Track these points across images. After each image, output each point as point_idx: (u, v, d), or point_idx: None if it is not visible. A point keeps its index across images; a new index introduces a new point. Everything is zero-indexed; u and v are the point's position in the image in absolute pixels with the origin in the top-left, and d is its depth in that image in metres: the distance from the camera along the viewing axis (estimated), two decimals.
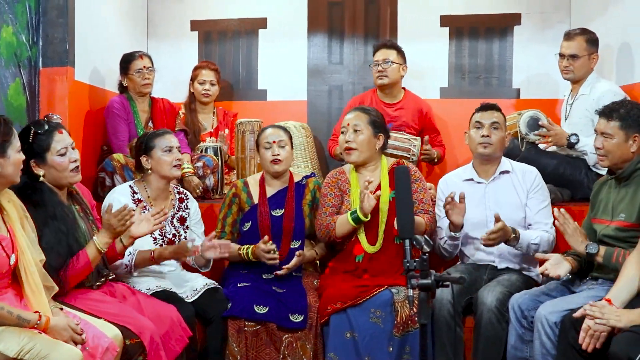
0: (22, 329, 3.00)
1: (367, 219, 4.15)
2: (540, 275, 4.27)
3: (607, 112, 3.84)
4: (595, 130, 3.93)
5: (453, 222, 4.15)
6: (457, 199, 4.14)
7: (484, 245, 4.12)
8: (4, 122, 3.13)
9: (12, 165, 3.11)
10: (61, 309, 3.29)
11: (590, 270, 3.88)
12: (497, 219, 4.02)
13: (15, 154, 3.14)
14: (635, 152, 3.77)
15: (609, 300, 3.42)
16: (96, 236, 3.61)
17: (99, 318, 3.41)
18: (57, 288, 3.33)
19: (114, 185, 4.63)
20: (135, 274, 4.04)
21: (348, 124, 4.33)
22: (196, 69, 5.77)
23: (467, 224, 4.21)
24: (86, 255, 3.53)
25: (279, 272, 4.23)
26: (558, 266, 3.80)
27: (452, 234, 4.24)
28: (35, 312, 3.08)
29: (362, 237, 4.25)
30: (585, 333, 3.29)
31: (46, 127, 3.57)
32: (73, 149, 3.66)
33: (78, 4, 4.86)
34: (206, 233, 4.33)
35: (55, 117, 3.72)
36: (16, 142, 3.16)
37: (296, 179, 4.58)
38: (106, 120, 5.20)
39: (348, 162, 4.41)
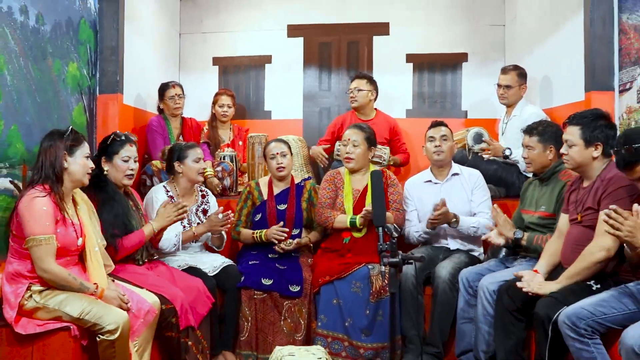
0: (83, 296, 3.05)
1: (360, 228, 4.20)
2: (483, 254, 4.34)
3: (528, 130, 3.92)
4: (522, 144, 3.99)
5: (505, 235, 3.94)
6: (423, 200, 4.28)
7: (431, 224, 4.16)
8: (75, 132, 3.22)
9: (78, 165, 3.17)
10: (113, 280, 3.33)
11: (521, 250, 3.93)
12: (443, 204, 4.08)
13: (83, 158, 3.20)
14: (552, 159, 3.83)
15: (536, 270, 3.50)
16: (152, 221, 3.72)
17: (142, 288, 3.45)
18: (113, 266, 3.40)
19: (152, 185, 4.63)
20: (180, 250, 4.08)
21: (349, 139, 4.34)
22: (216, 95, 5.74)
23: (427, 215, 4.22)
24: (142, 234, 3.64)
25: (283, 248, 4.25)
26: (498, 237, 3.90)
27: (429, 230, 4.26)
28: (94, 284, 3.12)
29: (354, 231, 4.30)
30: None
31: (122, 137, 3.70)
32: (135, 161, 3.74)
33: (127, 45, 4.87)
34: None
35: (131, 134, 3.84)
36: (85, 150, 3.22)
37: (296, 180, 4.59)
38: (147, 134, 5.21)
39: (347, 168, 4.41)
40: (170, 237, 3.99)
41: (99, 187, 3.57)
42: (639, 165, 2.91)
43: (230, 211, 4.14)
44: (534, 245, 3.75)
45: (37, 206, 2.99)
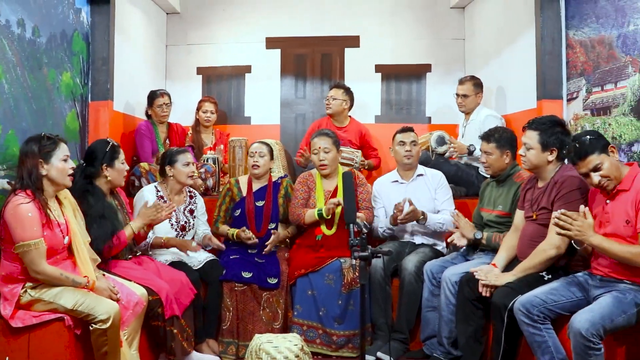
0: (76, 289, 3.03)
1: (328, 217, 4.20)
2: (446, 248, 4.37)
3: (486, 137, 3.93)
4: (480, 150, 4.02)
5: (395, 222, 4.15)
6: (389, 200, 4.27)
7: (400, 223, 4.17)
8: (48, 137, 3.08)
9: (55, 170, 3.06)
10: (103, 274, 3.31)
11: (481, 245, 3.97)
12: (410, 203, 4.09)
13: (61, 162, 3.08)
14: (508, 162, 3.87)
15: (494, 264, 3.53)
16: (132, 222, 3.66)
17: (130, 281, 3.43)
18: (99, 260, 3.36)
19: (141, 186, 4.59)
20: (150, 252, 4.04)
21: (319, 147, 4.31)
22: (200, 102, 5.71)
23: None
24: (124, 235, 3.58)
25: (265, 251, 4.26)
26: (460, 239, 3.93)
27: (391, 226, 4.29)
28: (85, 276, 3.09)
29: (322, 224, 4.30)
30: (481, 287, 3.38)
31: (116, 143, 3.69)
32: None
33: (117, 56, 4.84)
34: (208, 216, 4.42)
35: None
36: (61, 152, 3.09)
37: (273, 179, 4.58)
38: (136, 138, 5.17)
39: (322, 175, 4.40)
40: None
41: (88, 200, 3.49)
42: (590, 156, 2.96)
43: (162, 201, 4.05)
44: (492, 243, 3.78)
45: (22, 213, 2.91)
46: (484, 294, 3.38)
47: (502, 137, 3.87)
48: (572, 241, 3.03)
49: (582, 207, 2.94)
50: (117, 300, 3.13)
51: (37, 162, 3.01)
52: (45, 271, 2.95)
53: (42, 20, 3.90)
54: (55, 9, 4.10)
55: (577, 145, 2.98)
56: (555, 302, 2.99)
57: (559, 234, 2.94)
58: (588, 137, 2.98)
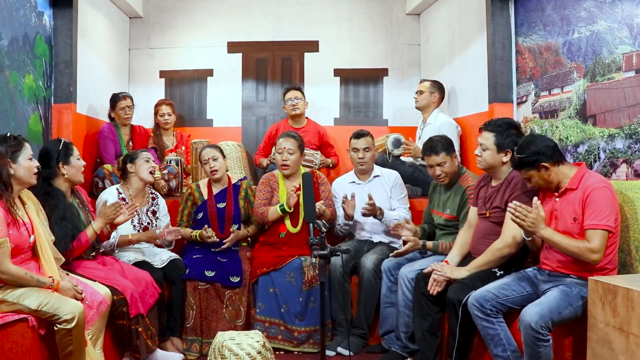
0: (40, 289, 2.95)
1: (291, 211, 4.20)
2: (402, 246, 4.38)
3: (431, 149, 3.82)
4: (432, 164, 3.85)
5: (347, 215, 4.23)
6: (349, 197, 4.24)
7: (363, 214, 4.17)
8: (14, 138, 3.03)
9: (23, 169, 3.00)
10: (67, 274, 3.24)
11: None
12: (370, 198, 4.10)
13: (27, 161, 3.03)
14: (457, 165, 3.90)
15: (447, 262, 3.56)
16: (93, 222, 3.59)
17: (94, 281, 3.37)
18: (64, 259, 3.28)
19: (104, 187, 4.50)
20: (116, 250, 3.96)
21: (284, 147, 4.31)
22: (156, 105, 5.59)
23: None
24: (86, 235, 3.52)
25: (223, 247, 4.23)
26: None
27: (346, 221, 4.31)
28: (49, 277, 3.02)
29: (287, 221, 4.28)
30: (432, 282, 3.41)
31: (68, 141, 3.62)
32: None
33: (80, 59, 4.72)
34: (171, 221, 4.32)
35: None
36: (27, 152, 3.04)
37: (233, 181, 4.54)
38: (99, 140, 5.07)
39: (283, 174, 4.40)
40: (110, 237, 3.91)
41: (49, 202, 3.39)
42: (522, 170, 3.09)
43: (123, 202, 3.92)
44: (439, 251, 3.83)
45: None
46: (431, 291, 3.41)
47: (445, 143, 3.85)
48: (523, 232, 3.08)
49: (535, 199, 2.99)
50: (82, 300, 3.07)
51: (5, 162, 2.94)
52: (9, 271, 2.86)
53: (3, 23, 3.79)
54: (17, 12, 3.98)
55: (515, 157, 3.14)
56: (506, 296, 3.03)
57: (514, 221, 2.97)
58: (517, 155, 3.09)
